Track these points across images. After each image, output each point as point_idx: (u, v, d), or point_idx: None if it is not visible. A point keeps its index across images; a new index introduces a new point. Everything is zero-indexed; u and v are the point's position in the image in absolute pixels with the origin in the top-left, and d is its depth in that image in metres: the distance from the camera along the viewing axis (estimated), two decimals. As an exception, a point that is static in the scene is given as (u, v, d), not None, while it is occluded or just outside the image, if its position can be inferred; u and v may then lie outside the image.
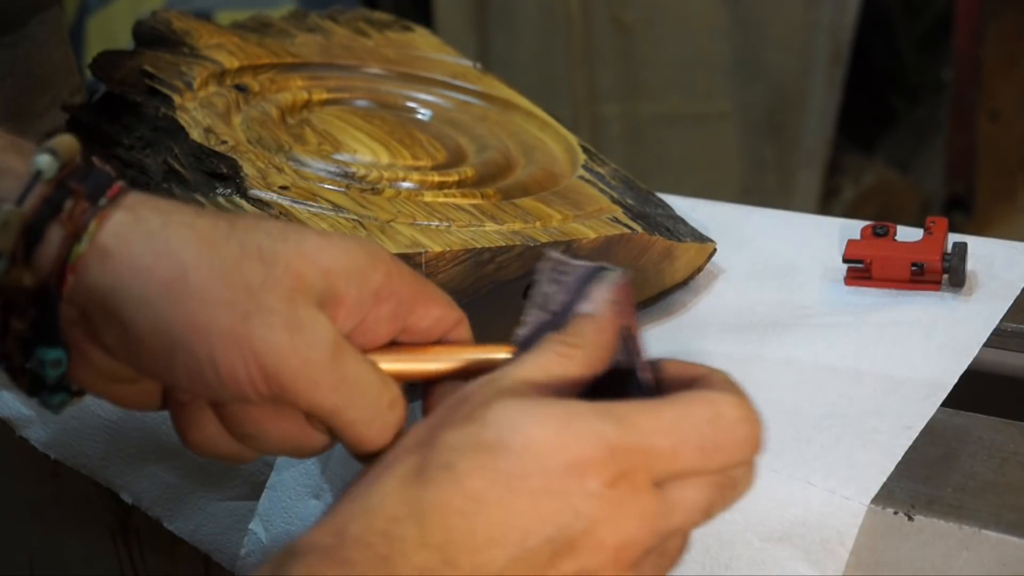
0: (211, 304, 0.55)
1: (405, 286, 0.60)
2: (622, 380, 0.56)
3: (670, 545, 0.53)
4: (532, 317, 0.58)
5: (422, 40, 1.03)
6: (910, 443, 0.71)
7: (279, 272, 0.57)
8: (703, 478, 0.53)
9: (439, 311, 0.62)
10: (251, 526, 0.84)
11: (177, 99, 0.85)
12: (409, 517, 0.50)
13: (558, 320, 0.57)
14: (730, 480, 0.53)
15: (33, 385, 0.58)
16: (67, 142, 0.57)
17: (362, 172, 0.82)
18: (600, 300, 0.57)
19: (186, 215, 0.58)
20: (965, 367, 0.78)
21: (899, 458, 0.70)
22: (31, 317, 0.56)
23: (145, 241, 0.56)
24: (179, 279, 0.55)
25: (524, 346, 0.57)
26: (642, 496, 0.51)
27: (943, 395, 0.75)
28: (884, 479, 0.69)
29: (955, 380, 0.76)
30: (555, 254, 0.58)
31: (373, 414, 0.58)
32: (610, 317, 0.56)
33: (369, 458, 0.59)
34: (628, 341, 0.56)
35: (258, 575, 0.51)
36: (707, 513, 0.53)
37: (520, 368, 0.54)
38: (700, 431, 0.52)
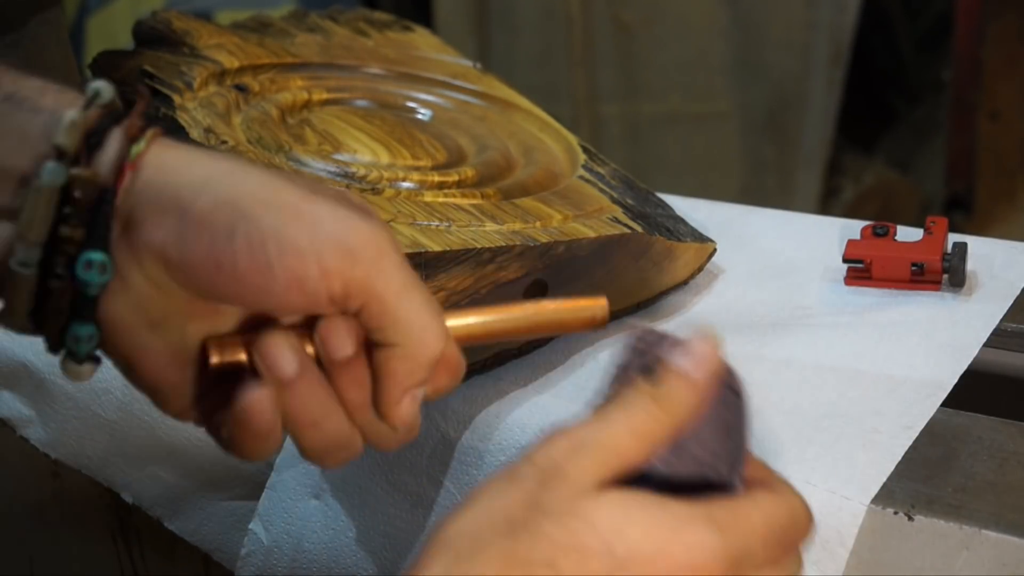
0: (274, 185, 0.57)
1: None
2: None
3: None
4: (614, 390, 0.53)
5: (422, 40, 1.03)
6: (910, 443, 0.71)
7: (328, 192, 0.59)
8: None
9: None
10: (251, 526, 0.84)
11: (177, 99, 0.85)
12: None
13: (645, 363, 0.52)
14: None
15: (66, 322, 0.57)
16: (108, 85, 0.59)
17: (362, 172, 0.82)
18: (698, 357, 0.52)
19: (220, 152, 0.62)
20: (965, 367, 0.78)
21: (899, 458, 0.70)
22: (84, 223, 0.56)
23: (198, 150, 0.59)
24: (239, 168, 0.58)
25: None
26: None
27: (943, 395, 0.75)
28: (884, 479, 0.69)
29: (955, 380, 0.76)
30: (642, 326, 0.55)
31: (434, 330, 0.58)
32: (705, 381, 0.52)
33: (403, 400, 0.59)
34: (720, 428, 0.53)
35: None
36: None
37: (609, 427, 0.51)
38: (783, 531, 0.52)
